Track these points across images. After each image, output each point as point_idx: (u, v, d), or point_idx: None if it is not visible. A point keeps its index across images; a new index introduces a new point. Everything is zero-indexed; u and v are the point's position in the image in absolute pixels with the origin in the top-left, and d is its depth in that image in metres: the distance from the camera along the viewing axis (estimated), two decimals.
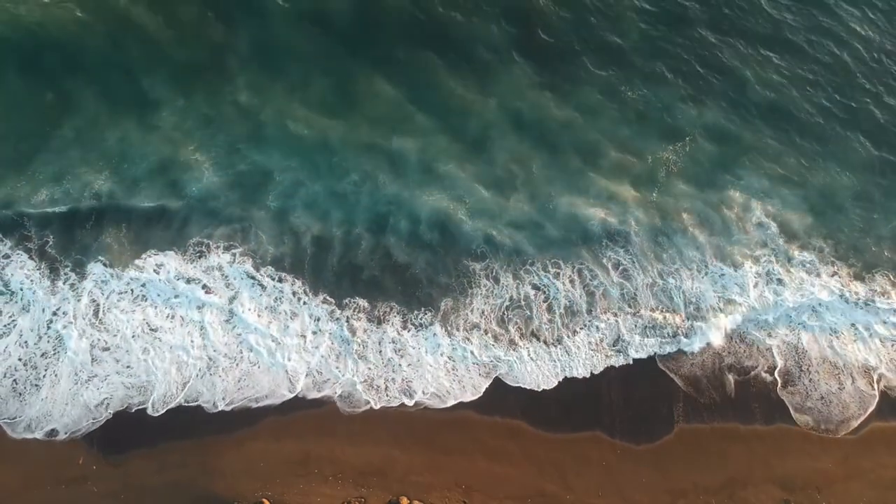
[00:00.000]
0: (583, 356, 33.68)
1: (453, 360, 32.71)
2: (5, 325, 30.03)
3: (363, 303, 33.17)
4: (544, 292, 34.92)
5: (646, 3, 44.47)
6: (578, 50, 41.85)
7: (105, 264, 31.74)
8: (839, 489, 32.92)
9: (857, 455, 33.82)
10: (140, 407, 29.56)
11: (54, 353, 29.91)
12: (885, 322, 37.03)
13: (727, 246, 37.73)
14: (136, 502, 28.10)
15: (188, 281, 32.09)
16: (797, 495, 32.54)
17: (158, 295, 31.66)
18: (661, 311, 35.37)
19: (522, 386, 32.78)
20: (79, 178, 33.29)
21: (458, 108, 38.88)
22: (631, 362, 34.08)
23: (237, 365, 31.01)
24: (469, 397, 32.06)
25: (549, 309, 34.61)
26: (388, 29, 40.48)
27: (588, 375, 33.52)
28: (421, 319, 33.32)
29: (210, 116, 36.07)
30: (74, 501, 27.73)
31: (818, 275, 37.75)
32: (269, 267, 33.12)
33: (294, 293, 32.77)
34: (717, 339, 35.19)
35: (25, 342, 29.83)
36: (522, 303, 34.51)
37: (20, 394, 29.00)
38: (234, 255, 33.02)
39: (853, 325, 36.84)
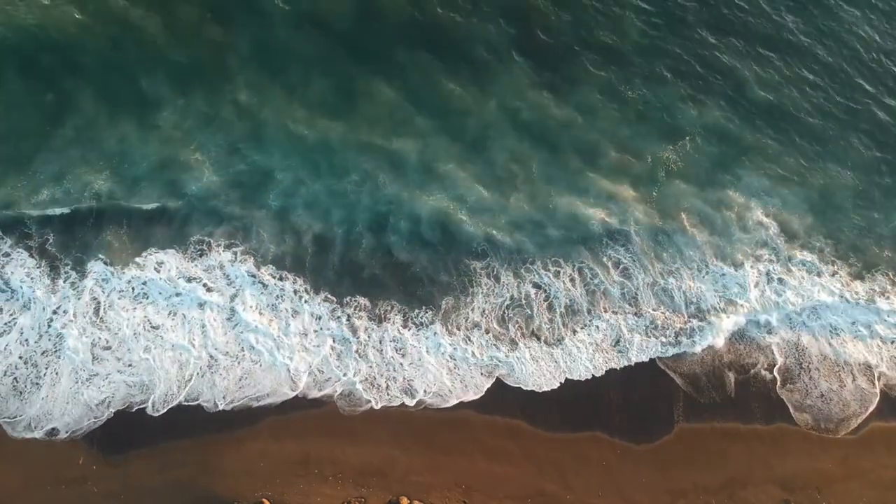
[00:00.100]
0: (584, 358, 33.67)
1: (455, 360, 32.71)
2: (6, 324, 29.98)
3: (364, 301, 33.18)
4: (545, 291, 34.94)
5: (645, 4, 44.50)
6: (578, 50, 41.86)
7: (105, 262, 31.71)
8: (839, 489, 32.96)
9: (857, 455, 33.87)
10: (141, 406, 29.51)
11: (55, 352, 29.87)
12: (885, 321, 37.08)
13: (727, 246, 37.79)
14: (136, 502, 28.05)
15: (189, 279, 32.07)
16: (797, 495, 32.57)
17: (159, 293, 31.63)
18: (663, 311, 35.38)
19: (523, 387, 32.76)
20: (79, 177, 33.24)
21: (457, 109, 38.88)
22: (632, 363, 34.10)
23: (238, 363, 30.98)
24: (471, 397, 32.07)
25: (550, 308, 34.63)
26: (387, 30, 40.41)
27: (589, 377, 33.51)
28: (422, 318, 33.32)
29: (210, 116, 36.03)
30: (74, 501, 27.68)
31: (819, 274, 37.82)
32: (271, 265, 33.12)
33: (295, 291, 32.77)
34: (720, 342, 35.21)
35: (26, 340, 29.78)
36: (523, 301, 34.52)
37: (20, 392, 28.95)
38: (235, 253, 33.03)
39: (853, 323, 36.91)
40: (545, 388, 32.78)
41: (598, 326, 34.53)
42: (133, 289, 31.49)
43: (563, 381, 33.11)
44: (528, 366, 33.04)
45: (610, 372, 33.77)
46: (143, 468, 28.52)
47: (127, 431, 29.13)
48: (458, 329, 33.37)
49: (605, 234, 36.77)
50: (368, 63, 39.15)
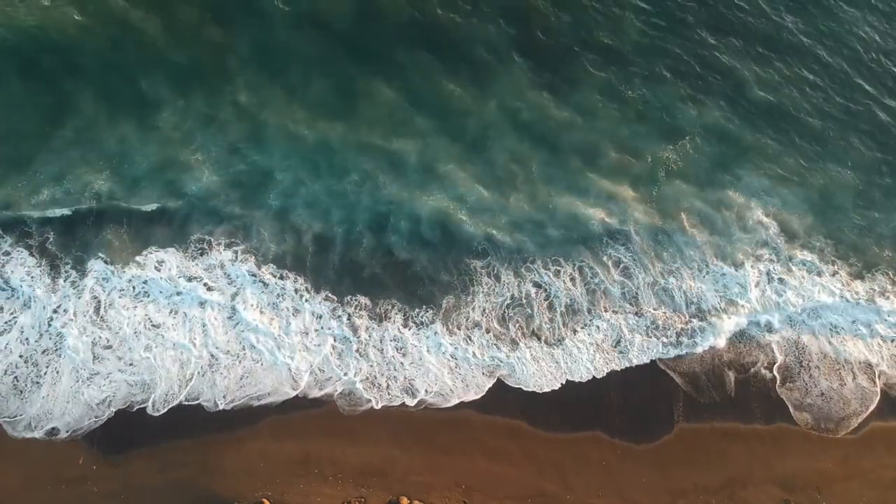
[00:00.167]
0: (585, 359, 33.66)
1: (456, 359, 32.70)
2: (6, 322, 30.00)
3: (365, 300, 33.19)
4: (545, 290, 34.96)
5: (645, 4, 44.57)
6: (578, 50, 41.92)
7: (106, 261, 31.73)
8: (839, 489, 32.96)
9: (857, 455, 33.88)
10: (142, 405, 29.51)
11: (55, 351, 29.88)
12: (885, 321, 37.10)
13: (727, 246, 37.82)
14: (136, 502, 28.06)
15: (190, 278, 32.08)
16: (797, 495, 32.57)
17: (160, 292, 31.64)
18: (664, 311, 35.39)
19: (524, 388, 32.76)
20: (79, 177, 33.28)
21: (457, 109, 38.94)
22: (633, 365, 34.11)
23: (240, 362, 31.00)
24: (472, 396, 32.09)
25: (551, 307, 34.64)
26: (387, 30, 40.46)
27: (590, 379, 33.53)
28: (422, 317, 33.33)
29: (210, 117, 36.08)
30: (74, 501, 27.68)
31: (819, 274, 37.86)
32: (271, 264, 33.15)
33: (296, 290, 32.79)
34: (721, 342, 35.21)
35: (26, 339, 29.80)
36: (524, 301, 34.54)
37: (21, 391, 28.95)
38: (235, 252, 33.04)
39: (854, 322, 36.94)
40: (546, 390, 32.77)
41: (598, 326, 34.54)
42: (133, 287, 31.51)
43: (563, 383, 33.09)
44: (529, 366, 33.03)
45: (610, 372, 33.81)
46: (143, 468, 28.52)
47: (127, 431, 29.13)
48: (459, 328, 33.38)
49: (606, 234, 36.82)
50: (368, 63, 39.19)
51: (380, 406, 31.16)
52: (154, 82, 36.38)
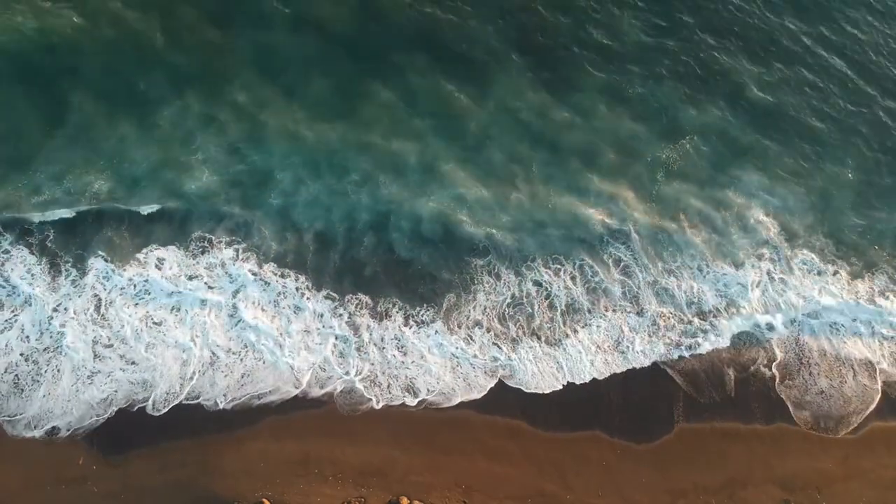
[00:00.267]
0: (586, 360, 33.63)
1: (457, 358, 32.67)
2: (7, 321, 29.91)
3: (366, 299, 33.17)
4: (546, 289, 34.96)
5: (644, 4, 44.69)
6: (577, 51, 42.05)
7: (106, 260, 31.67)
8: (839, 489, 32.96)
9: (857, 455, 33.87)
10: (142, 405, 29.42)
11: (56, 349, 29.79)
12: (886, 320, 37.13)
13: (728, 245, 37.89)
14: (136, 502, 27.95)
15: (190, 277, 32.05)
16: (797, 495, 32.56)
17: (161, 290, 31.57)
18: (664, 311, 35.38)
19: (525, 389, 32.74)
20: (80, 177, 33.25)
21: (457, 109, 39.03)
22: (635, 366, 34.12)
23: (241, 361, 30.92)
24: (474, 396, 32.05)
25: (551, 306, 34.64)
26: (386, 31, 40.58)
27: (591, 380, 33.54)
28: (423, 316, 33.31)
29: (210, 117, 36.10)
30: (74, 501, 27.57)
31: (819, 273, 37.91)
32: (272, 263, 33.13)
33: (297, 289, 32.77)
34: (723, 343, 35.19)
35: (27, 337, 29.70)
36: (524, 300, 34.55)
37: (21, 390, 28.85)
38: (236, 251, 33.03)
39: (854, 321, 36.97)
40: (547, 391, 32.75)
41: (598, 326, 34.53)
42: (134, 286, 31.43)
43: (565, 384, 33.08)
44: (530, 367, 33.01)
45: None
46: (143, 468, 28.41)
47: (127, 431, 29.03)
48: (460, 327, 33.36)
49: (606, 233, 36.87)
50: (368, 63, 39.29)
51: (380, 405, 31.10)
52: (154, 82, 36.46)
